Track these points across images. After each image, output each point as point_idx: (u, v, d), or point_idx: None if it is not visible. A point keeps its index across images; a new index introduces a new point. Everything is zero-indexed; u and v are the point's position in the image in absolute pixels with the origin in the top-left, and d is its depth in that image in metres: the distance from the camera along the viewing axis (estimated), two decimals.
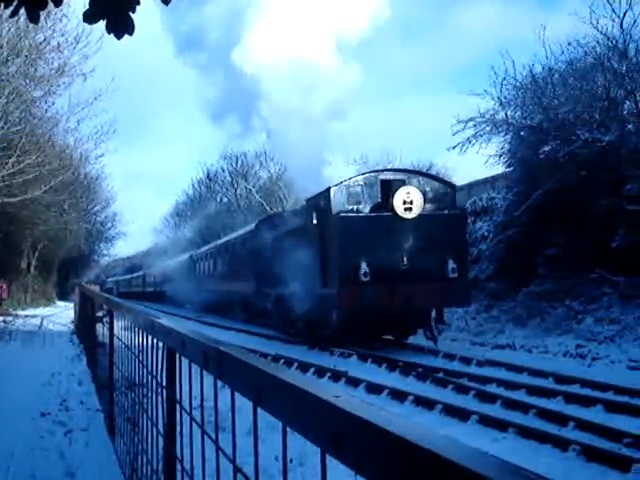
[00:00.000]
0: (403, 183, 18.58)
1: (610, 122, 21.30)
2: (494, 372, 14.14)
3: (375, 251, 17.55)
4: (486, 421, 10.10)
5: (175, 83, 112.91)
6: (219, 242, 38.05)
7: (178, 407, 3.17)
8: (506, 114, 24.86)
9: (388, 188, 18.57)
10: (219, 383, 2.19)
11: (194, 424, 2.76)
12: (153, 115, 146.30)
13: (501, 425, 9.76)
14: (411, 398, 11.93)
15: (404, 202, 17.75)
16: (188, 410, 2.92)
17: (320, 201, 19.48)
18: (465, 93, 27.54)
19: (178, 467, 3.11)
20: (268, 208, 47.48)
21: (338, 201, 18.70)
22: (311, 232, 19.75)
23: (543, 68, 24.68)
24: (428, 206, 18.32)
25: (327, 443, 1.30)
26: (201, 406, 2.57)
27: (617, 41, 22.17)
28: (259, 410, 1.75)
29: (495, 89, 25.11)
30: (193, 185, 70.42)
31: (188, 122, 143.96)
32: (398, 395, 12.32)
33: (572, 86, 22.80)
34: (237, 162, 59.40)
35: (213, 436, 2.40)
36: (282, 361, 16.31)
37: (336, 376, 14.45)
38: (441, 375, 13.98)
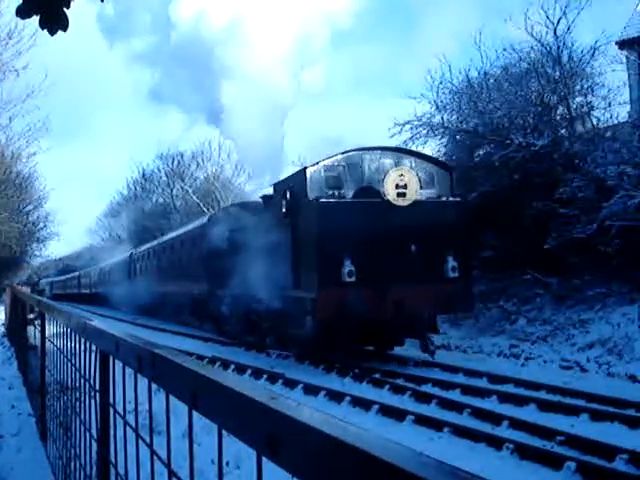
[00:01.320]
0: (395, 163, 15.83)
1: (543, 127, 21.78)
2: (430, 372, 14.30)
3: (361, 245, 14.58)
4: (422, 421, 10.21)
5: (113, 80, 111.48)
6: (164, 238, 35.15)
7: (112, 411, 3.12)
8: (442, 118, 25.21)
9: (377, 169, 15.86)
10: (154, 386, 2.16)
11: (128, 428, 2.72)
12: (91, 113, 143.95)
13: (436, 425, 9.88)
14: (348, 399, 11.99)
15: (397, 186, 15.09)
16: (122, 414, 2.87)
17: (292, 185, 16.43)
18: (401, 97, 27.68)
19: (112, 472, 3.06)
20: (205, 209, 47.10)
21: (315, 185, 15.52)
22: (279, 223, 16.89)
23: (479, 73, 25.12)
24: (423, 192, 15.71)
25: (263, 445, 1.29)
26: (135, 410, 2.53)
27: (551, 47, 22.70)
28: (195, 413, 1.73)
29: (432, 93, 25.45)
30: (128, 185, 69.44)
31: (126, 121, 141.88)
32: (335, 396, 12.36)
33: (507, 91, 23.24)
34: (173, 162, 58.85)
35: (148, 440, 2.36)
36: (218, 363, 16.21)
37: (273, 378, 14.43)
38: (378, 376, 14.07)
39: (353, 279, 14.44)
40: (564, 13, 22.39)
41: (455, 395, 12.06)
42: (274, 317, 17.55)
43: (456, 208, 15.94)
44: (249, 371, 15.38)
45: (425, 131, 25.13)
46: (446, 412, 10.84)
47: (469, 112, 23.93)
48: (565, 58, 22.58)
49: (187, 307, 28.28)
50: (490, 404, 11.28)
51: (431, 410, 11.00)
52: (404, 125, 24.85)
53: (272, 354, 18.21)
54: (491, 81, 24.42)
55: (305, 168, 15.70)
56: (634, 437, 8.72)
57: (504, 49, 24.62)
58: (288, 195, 16.47)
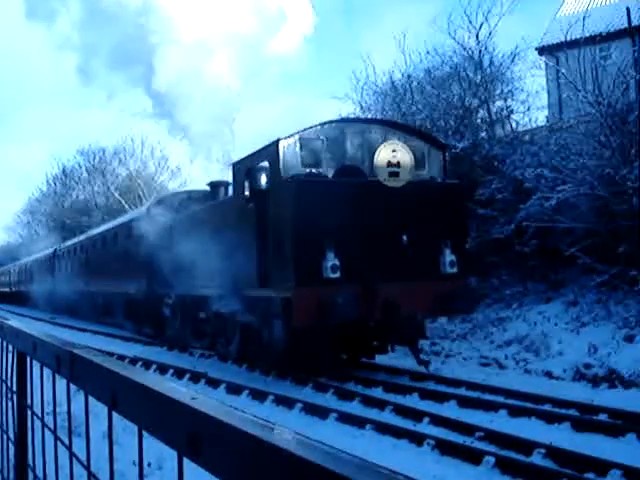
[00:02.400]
0: (382, 139, 13.44)
1: (464, 129, 22.17)
2: (352, 371, 14.40)
3: (347, 235, 12.28)
4: (345, 419, 10.27)
5: (35, 72, 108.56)
6: (94, 232, 31.82)
7: (30, 413, 3.04)
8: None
9: (361, 144, 13.51)
10: (73, 387, 2.12)
11: (47, 430, 2.66)
12: (10, 108, 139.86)
13: (359, 422, 9.95)
14: (271, 398, 11.98)
15: (389, 164, 12.81)
16: (40, 416, 2.81)
17: (259, 162, 13.78)
18: (325, 97, 27.93)
19: (30, 475, 2.99)
20: (127, 206, 46.36)
21: (290, 161, 12.75)
22: (240, 208, 14.33)
23: (403, 75, 25.41)
24: (416, 172, 13.47)
25: (184, 446, 1.27)
26: (54, 411, 2.48)
27: (473, 52, 23.13)
28: (115, 414, 1.70)
29: (356, 94, 25.65)
30: (48, 181, 67.79)
31: (48, 116, 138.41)
32: (258, 395, 12.33)
33: (429, 93, 23.58)
34: (94, 158, 57.72)
35: (67, 442, 2.32)
36: (140, 363, 15.99)
37: (196, 377, 14.31)
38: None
39: (337, 275, 12.03)
40: (486, 19, 22.90)
41: (377, 392, 12.18)
42: (230, 322, 15.45)
43: (454, 192, 13.98)
44: (171, 371, 15.21)
45: None
46: (369, 410, 10.94)
47: (392, 113, 24.20)
48: (486, 62, 23.06)
49: (121, 308, 25.64)
50: (412, 401, 11.43)
51: (354, 408, 11.08)
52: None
53: (195, 353, 18.05)
54: (414, 84, 24.74)
55: (278, 140, 12.72)
56: (551, 432, 8.95)
57: (427, 52, 25.02)
58: (254, 174, 13.93)
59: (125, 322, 25.09)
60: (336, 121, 14.27)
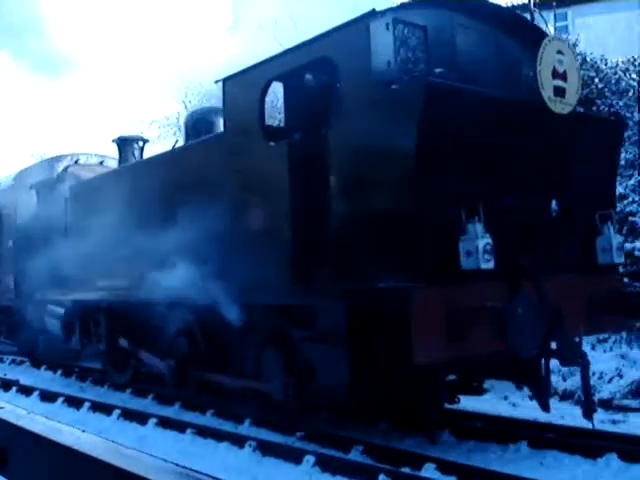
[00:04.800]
0: (542, 33, 8.94)
1: None
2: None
3: (496, 190, 7.28)
4: (165, 423, 10.09)
5: None
6: None
7: None
8: None
9: (479, 42, 8.47)
10: None
11: None
12: None
13: (180, 426, 9.81)
14: (88, 404, 11.57)
15: (554, 73, 7.52)
16: None
17: (306, 62, 8.20)
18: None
19: None
20: None
21: (380, 57, 7.41)
22: (248, 153, 8.71)
23: None
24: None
25: None
26: None
27: None
28: None
29: (179, 93, 25.38)
30: None
31: None
32: (74, 402, 11.88)
33: None
34: None
35: None
36: None
37: (7, 385, 13.60)
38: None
39: (491, 264, 6.71)
40: None
41: None
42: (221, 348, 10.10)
43: (611, 134, 8.89)
44: None
45: (173, 131, 25.02)
46: (189, 413, 10.81)
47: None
48: None
49: None
50: (232, 403, 11.38)
51: (174, 412, 10.93)
52: (151, 124, 24.60)
53: (5, 360, 17.13)
54: None
55: (367, 18, 7.21)
56: (370, 429, 9.20)
57: None
58: (293, 87, 8.82)
59: None
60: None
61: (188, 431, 9.55)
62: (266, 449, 8.46)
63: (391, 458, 7.59)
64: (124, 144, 13.55)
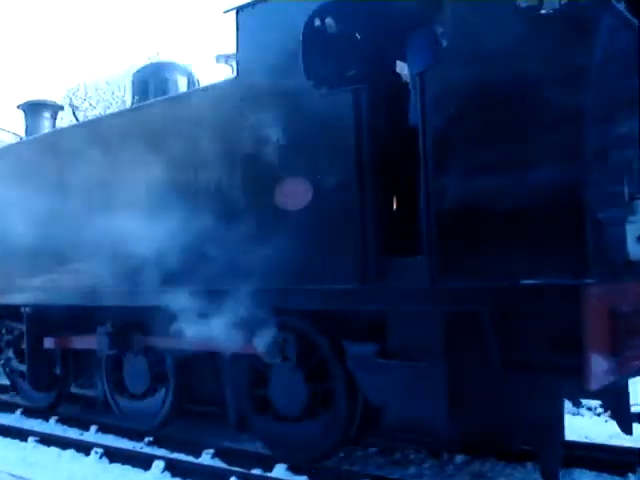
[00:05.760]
0: None
1: None
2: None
3: None
4: (5, 432, 9.65)
5: None
6: None
7: None
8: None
9: None
10: None
11: None
12: None
13: (21, 435, 9.40)
14: None
15: None
16: None
17: None
18: None
19: None
20: None
21: None
22: (294, 107, 6.25)
23: None
24: None
25: None
26: None
27: None
28: None
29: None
30: None
31: None
32: None
33: None
34: None
35: None
36: None
37: None
38: None
39: None
40: None
41: None
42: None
43: None
44: None
45: None
46: (32, 420, 10.38)
47: None
48: None
49: None
50: (75, 410, 11.00)
51: (17, 420, 10.46)
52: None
53: None
54: None
55: None
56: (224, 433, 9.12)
57: None
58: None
59: None
60: None
61: (31, 439, 9.17)
62: (113, 456, 8.27)
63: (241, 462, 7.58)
64: (33, 110, 10.91)
